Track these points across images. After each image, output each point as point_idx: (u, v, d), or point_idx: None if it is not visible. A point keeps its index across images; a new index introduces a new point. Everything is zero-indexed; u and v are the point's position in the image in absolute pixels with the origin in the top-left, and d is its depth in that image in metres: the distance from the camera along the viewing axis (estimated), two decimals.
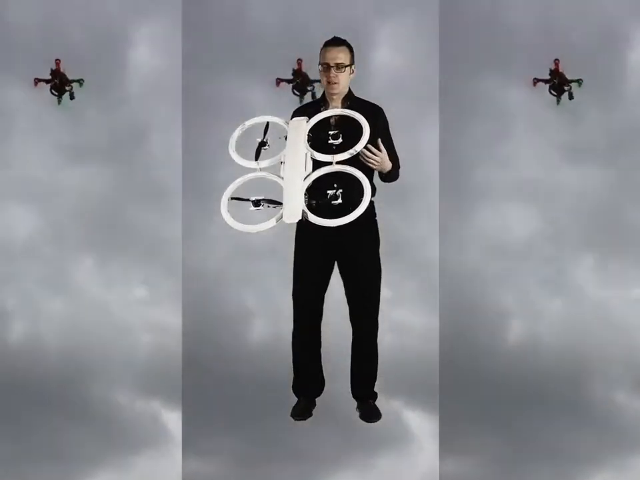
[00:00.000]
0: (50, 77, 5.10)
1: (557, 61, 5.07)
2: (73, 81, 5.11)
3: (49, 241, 5.22)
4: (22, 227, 5.23)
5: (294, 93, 5.29)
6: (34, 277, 5.20)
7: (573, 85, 5.06)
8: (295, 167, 4.09)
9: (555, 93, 5.08)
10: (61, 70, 5.10)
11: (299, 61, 5.26)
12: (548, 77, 5.09)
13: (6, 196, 5.19)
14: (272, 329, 5.07)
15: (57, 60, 5.13)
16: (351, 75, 4.28)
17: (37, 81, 5.10)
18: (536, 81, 5.10)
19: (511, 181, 5.07)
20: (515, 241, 5.11)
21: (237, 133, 4.23)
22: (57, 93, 5.11)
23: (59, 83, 5.09)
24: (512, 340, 5.08)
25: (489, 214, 5.09)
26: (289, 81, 5.30)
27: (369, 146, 4.09)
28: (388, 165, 4.20)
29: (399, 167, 4.31)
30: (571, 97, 5.05)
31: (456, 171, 5.08)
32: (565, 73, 5.09)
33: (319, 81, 4.85)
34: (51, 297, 5.21)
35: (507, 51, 5.06)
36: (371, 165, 4.14)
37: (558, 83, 5.07)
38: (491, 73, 5.07)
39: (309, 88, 5.31)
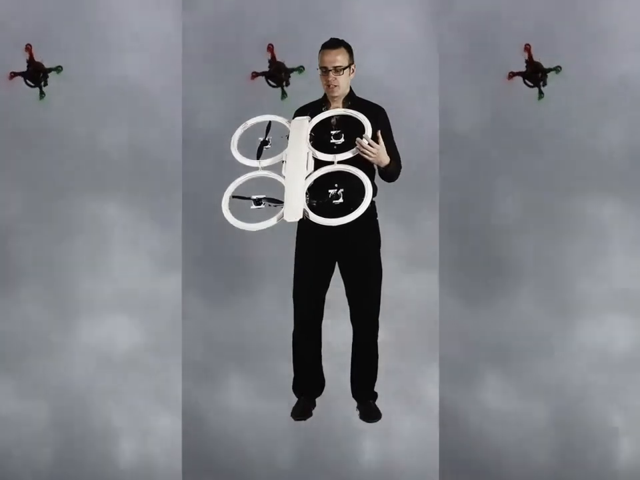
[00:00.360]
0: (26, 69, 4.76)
1: (527, 46, 5.03)
2: (50, 69, 4.78)
3: (151, 352, 5.16)
4: (124, 339, 5.17)
5: (269, 84, 5.21)
6: (139, 391, 5.13)
7: (550, 74, 5.02)
8: (297, 166, 4.11)
9: (531, 84, 5.06)
10: (34, 57, 4.76)
11: (270, 47, 5.15)
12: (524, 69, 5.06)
13: (106, 308, 5.14)
14: None
15: (27, 45, 4.81)
16: (351, 75, 4.29)
17: (13, 74, 4.78)
18: (512, 74, 5.09)
19: (610, 293, 5.07)
20: (619, 353, 5.08)
21: (239, 131, 4.25)
22: (33, 84, 4.79)
23: (34, 72, 4.74)
24: (622, 460, 5.03)
25: (591, 327, 5.09)
26: (264, 73, 5.19)
27: (367, 138, 4.09)
28: (385, 159, 4.16)
29: (400, 167, 4.30)
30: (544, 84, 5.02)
31: (557, 285, 5.13)
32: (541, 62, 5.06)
33: (297, 69, 4.95)
34: (159, 413, 5.12)
35: (599, 170, 5.10)
36: (367, 157, 4.11)
37: (532, 72, 5.04)
38: (586, 193, 5.11)
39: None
